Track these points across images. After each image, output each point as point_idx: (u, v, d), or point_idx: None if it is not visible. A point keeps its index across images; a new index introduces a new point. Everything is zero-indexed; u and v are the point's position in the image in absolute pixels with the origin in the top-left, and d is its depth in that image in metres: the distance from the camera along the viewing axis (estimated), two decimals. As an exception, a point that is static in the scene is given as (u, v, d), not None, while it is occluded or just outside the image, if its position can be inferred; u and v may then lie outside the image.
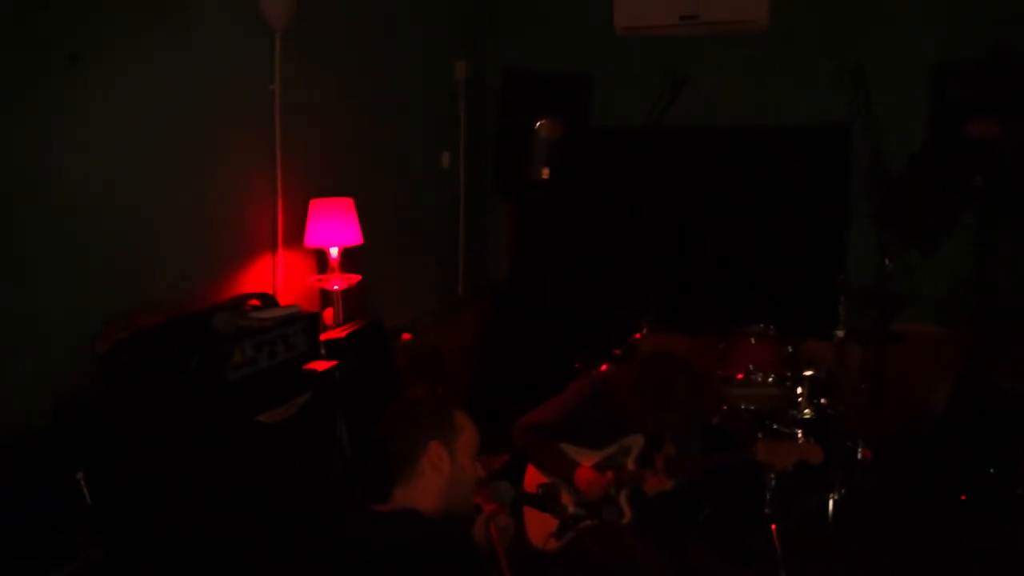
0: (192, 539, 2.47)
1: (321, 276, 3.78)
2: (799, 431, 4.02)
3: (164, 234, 3.14)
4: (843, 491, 4.31)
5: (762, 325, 4.36)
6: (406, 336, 4.11)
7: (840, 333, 4.28)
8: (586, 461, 3.34)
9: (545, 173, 5.18)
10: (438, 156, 5.27)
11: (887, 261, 4.90)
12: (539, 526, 3.30)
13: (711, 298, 4.96)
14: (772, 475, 3.79)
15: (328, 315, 3.68)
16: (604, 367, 4.68)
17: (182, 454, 2.49)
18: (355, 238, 3.71)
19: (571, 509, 3.15)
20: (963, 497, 4.40)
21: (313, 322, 2.97)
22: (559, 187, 5.24)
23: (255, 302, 3.00)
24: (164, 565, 2.44)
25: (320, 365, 3.00)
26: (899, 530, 4.30)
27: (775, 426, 4.20)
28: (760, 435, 4.06)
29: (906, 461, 4.66)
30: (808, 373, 4.29)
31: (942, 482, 4.47)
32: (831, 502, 4.28)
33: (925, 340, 5.03)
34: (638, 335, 4.83)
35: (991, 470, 4.22)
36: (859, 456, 4.42)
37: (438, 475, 2.19)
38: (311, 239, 3.68)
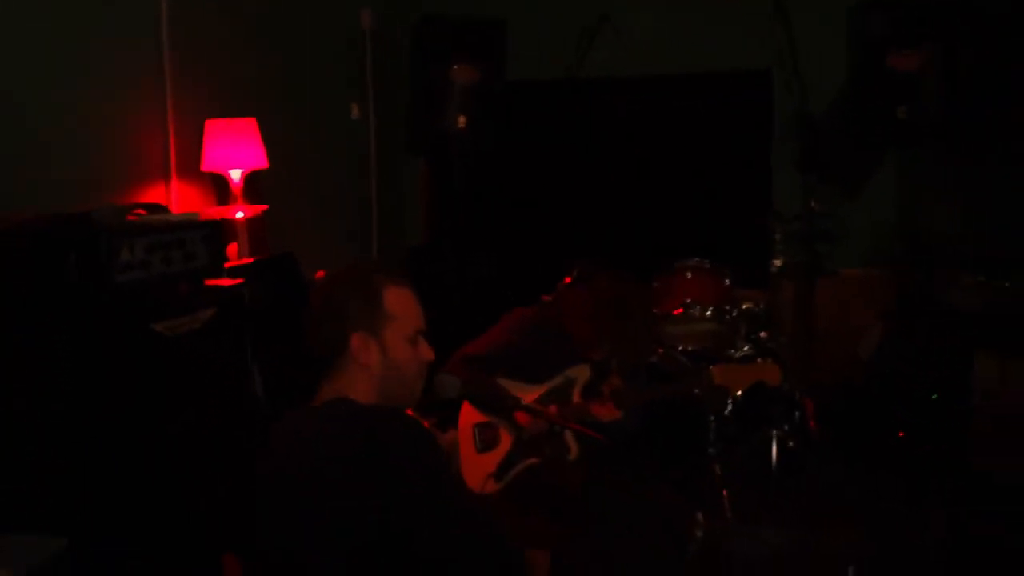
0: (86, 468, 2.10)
1: (221, 206, 3.40)
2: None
3: (41, 154, 2.74)
4: (785, 428, 4.18)
5: (697, 259, 4.20)
6: (320, 274, 3.74)
7: (777, 262, 4.14)
8: (527, 396, 3.07)
9: (462, 122, 4.90)
10: (347, 107, 4.93)
11: (812, 203, 4.81)
12: (476, 468, 3.02)
13: (642, 241, 4.78)
14: (728, 400, 3.60)
15: (231, 250, 3.30)
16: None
17: (63, 370, 2.11)
18: (259, 160, 3.36)
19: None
20: (900, 434, 4.33)
21: (215, 232, 2.59)
22: (476, 138, 4.98)
23: (141, 211, 2.60)
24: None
25: (225, 282, 2.63)
26: (843, 471, 4.20)
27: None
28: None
29: (842, 410, 4.58)
30: (746, 306, 4.15)
31: (880, 425, 4.40)
32: (774, 441, 4.16)
33: (853, 282, 4.99)
34: (567, 279, 4.61)
35: (933, 396, 4.14)
36: (798, 398, 4.31)
37: (366, 370, 1.86)
38: (209, 162, 3.31)
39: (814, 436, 4.28)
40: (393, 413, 1.79)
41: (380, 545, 1.65)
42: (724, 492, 3.85)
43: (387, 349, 1.86)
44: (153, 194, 3.26)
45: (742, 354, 4.05)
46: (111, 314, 2.20)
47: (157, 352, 2.30)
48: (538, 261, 4.70)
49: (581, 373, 3.17)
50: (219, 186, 3.49)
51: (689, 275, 4.17)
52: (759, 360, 3.60)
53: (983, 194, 4.49)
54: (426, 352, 1.94)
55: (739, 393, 3.54)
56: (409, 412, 1.91)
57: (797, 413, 4.24)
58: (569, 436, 3.13)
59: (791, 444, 4.16)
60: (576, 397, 3.12)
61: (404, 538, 1.64)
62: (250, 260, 3.19)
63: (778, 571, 3.33)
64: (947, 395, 3.99)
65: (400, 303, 1.92)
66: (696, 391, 3.33)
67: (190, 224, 2.52)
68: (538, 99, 5.30)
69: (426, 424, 3.60)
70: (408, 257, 5.27)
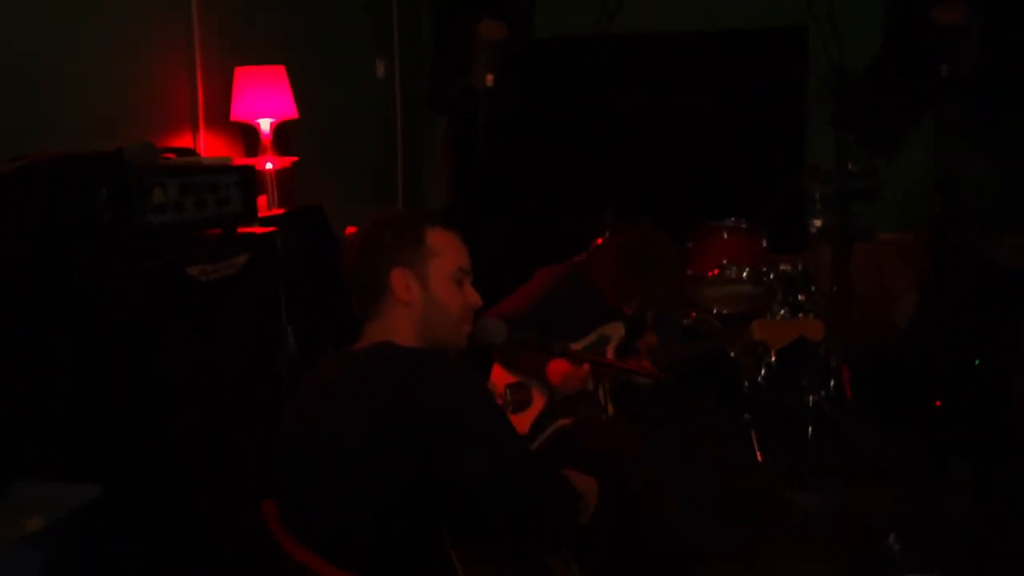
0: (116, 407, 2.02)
1: (250, 157, 3.31)
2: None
3: (68, 98, 2.65)
4: (822, 394, 4.10)
5: (733, 219, 4.09)
6: (351, 229, 3.65)
7: (817, 222, 4.03)
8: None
9: (489, 80, 4.78)
10: (373, 64, 4.81)
11: (849, 165, 4.69)
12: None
13: (675, 201, 4.65)
14: (766, 359, 3.52)
15: (260, 202, 3.21)
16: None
17: (95, 310, 2.03)
18: (289, 110, 3.26)
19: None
20: (938, 403, 4.23)
21: (248, 178, 2.51)
22: (502, 97, 4.86)
23: (171, 155, 2.52)
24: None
25: (258, 230, 2.55)
26: (878, 436, 4.12)
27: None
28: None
29: (878, 377, 4.48)
30: (783, 268, 4.04)
31: (917, 393, 4.30)
32: (809, 406, 4.08)
33: (890, 245, 4.88)
34: (600, 240, 4.51)
35: (976, 362, 4.03)
36: (834, 364, 4.22)
37: (408, 309, 1.77)
38: (238, 111, 3.21)
39: (850, 402, 4.19)
40: (439, 354, 1.70)
41: (422, 493, 1.56)
42: (759, 456, 3.79)
43: (429, 285, 1.77)
44: (181, 143, 3.17)
45: (780, 317, 3.96)
46: (143, 254, 2.11)
47: (189, 295, 2.21)
48: (566, 222, 4.62)
49: (615, 331, 3.09)
50: (248, 137, 3.40)
51: (725, 235, 4.06)
52: (800, 315, 3.50)
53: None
54: (472, 296, 1.85)
55: (779, 349, 3.42)
56: None
57: (833, 380, 4.16)
58: (603, 395, 3.06)
59: (827, 409, 4.09)
60: (610, 355, 3.04)
61: (452, 485, 1.56)
62: (280, 211, 3.10)
63: (815, 534, 3.27)
64: (989, 358, 3.88)
65: (443, 242, 1.82)
66: (732, 350, 3.25)
67: (223, 168, 2.44)
68: (566, 57, 5.17)
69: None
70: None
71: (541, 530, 1.65)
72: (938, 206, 4.82)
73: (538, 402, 3.01)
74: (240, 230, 2.50)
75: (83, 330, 2.03)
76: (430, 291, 1.78)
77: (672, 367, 3.17)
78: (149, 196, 2.13)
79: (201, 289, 2.25)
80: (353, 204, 4.17)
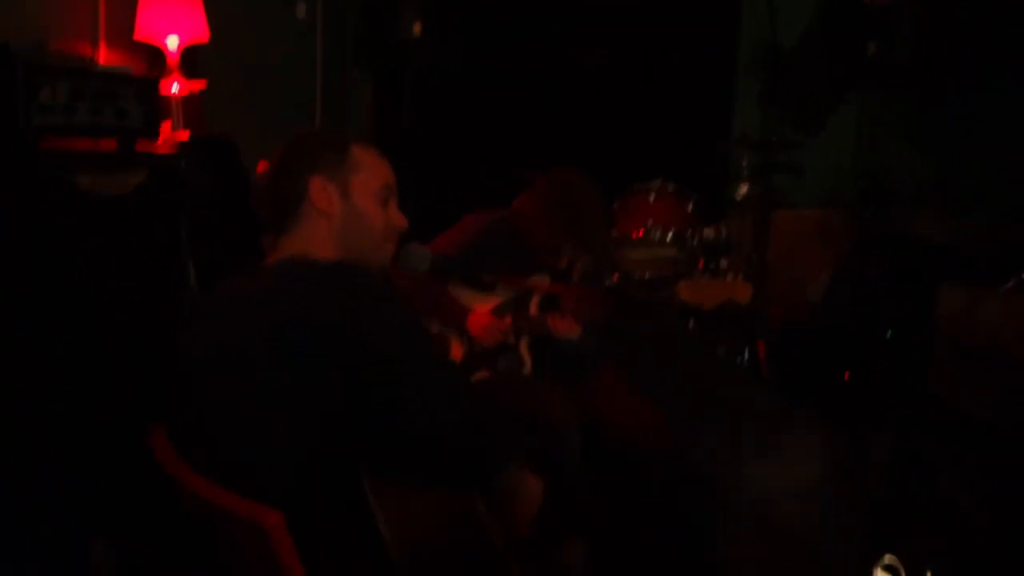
0: None
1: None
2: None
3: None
4: (745, 358, 4.10)
5: (661, 181, 4.02)
6: (263, 165, 3.43)
7: (743, 189, 4.00)
8: (481, 306, 2.89)
9: (417, 29, 4.59)
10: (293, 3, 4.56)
11: (774, 137, 4.70)
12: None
13: (604, 162, 4.57)
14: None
15: (164, 128, 2.99)
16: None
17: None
18: (199, 31, 3.03)
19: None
20: (847, 375, 4.28)
21: (150, 91, 2.30)
22: (432, 49, 4.68)
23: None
24: None
25: (160, 149, 2.35)
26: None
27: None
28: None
29: (790, 351, 4.51)
30: (707, 233, 4.00)
31: (827, 367, 4.35)
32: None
33: (810, 222, 4.91)
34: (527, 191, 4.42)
35: (888, 335, 4.07)
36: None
37: (326, 218, 1.64)
38: (143, 29, 2.97)
39: (765, 376, 4.20)
40: (360, 269, 1.55)
41: (338, 420, 1.42)
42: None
43: (351, 197, 1.65)
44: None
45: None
46: (27, 157, 1.90)
47: (77, 209, 2.01)
48: (493, 181, 4.49)
49: (540, 284, 2.98)
50: (153, 58, 3.15)
51: (651, 198, 3.99)
52: (730, 277, 3.45)
53: (948, 138, 4.41)
54: (397, 216, 1.73)
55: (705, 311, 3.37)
56: None
57: (748, 353, 4.17)
58: (524, 349, 2.97)
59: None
60: (532, 309, 2.94)
61: (377, 412, 1.42)
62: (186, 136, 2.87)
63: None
64: (904, 332, 3.92)
65: (368, 158, 1.71)
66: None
67: (123, 77, 2.24)
68: (498, 10, 5.01)
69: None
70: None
71: (467, 463, 1.52)
72: (859, 185, 4.86)
73: (456, 353, 2.91)
74: (139, 148, 2.30)
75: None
76: (352, 203, 1.66)
77: (595, 326, 3.09)
78: (36, 95, 1.92)
79: (91, 204, 2.04)
80: (266, 141, 3.93)
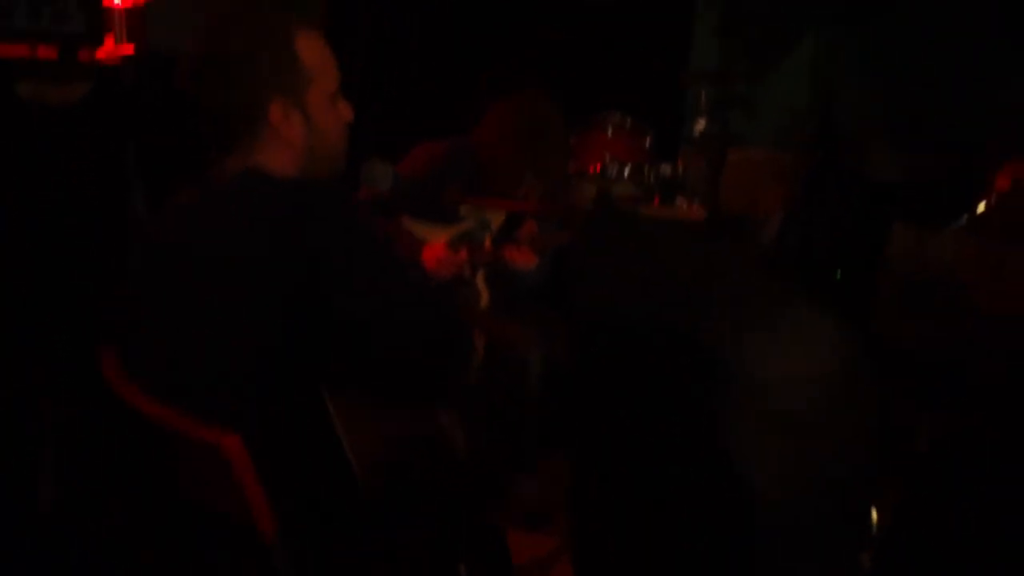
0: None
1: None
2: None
3: None
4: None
5: (619, 115, 3.97)
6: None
7: (701, 123, 3.98)
8: (436, 238, 2.81)
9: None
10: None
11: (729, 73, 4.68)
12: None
13: (559, 90, 4.50)
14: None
15: (106, 42, 2.83)
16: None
17: None
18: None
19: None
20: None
21: (93, -4, 2.17)
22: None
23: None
24: None
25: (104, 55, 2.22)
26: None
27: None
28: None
29: None
30: (663, 169, 3.98)
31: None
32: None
33: (763, 162, 4.92)
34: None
35: (837, 275, 4.12)
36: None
37: (288, 146, 1.55)
38: (83, -67, 2.79)
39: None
40: (316, 182, 1.50)
41: (298, 335, 1.37)
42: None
43: (312, 117, 1.57)
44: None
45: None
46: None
47: (18, 120, 1.89)
48: (448, 103, 4.39)
49: (496, 217, 2.92)
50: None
51: (609, 132, 3.95)
52: (684, 203, 3.44)
53: (901, 73, 4.42)
54: (346, 111, 1.64)
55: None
56: None
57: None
58: (481, 282, 2.93)
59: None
60: (488, 241, 2.87)
61: (338, 321, 1.37)
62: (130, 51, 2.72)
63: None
64: (853, 272, 3.97)
65: (316, 55, 1.59)
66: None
67: (62, -21, 2.10)
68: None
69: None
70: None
71: (432, 368, 1.48)
72: (813, 125, 4.87)
73: None
74: (81, 58, 2.17)
75: None
76: (313, 122, 1.57)
77: (552, 257, 3.06)
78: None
79: (34, 115, 1.93)
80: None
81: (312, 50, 1.56)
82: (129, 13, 2.85)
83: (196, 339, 1.41)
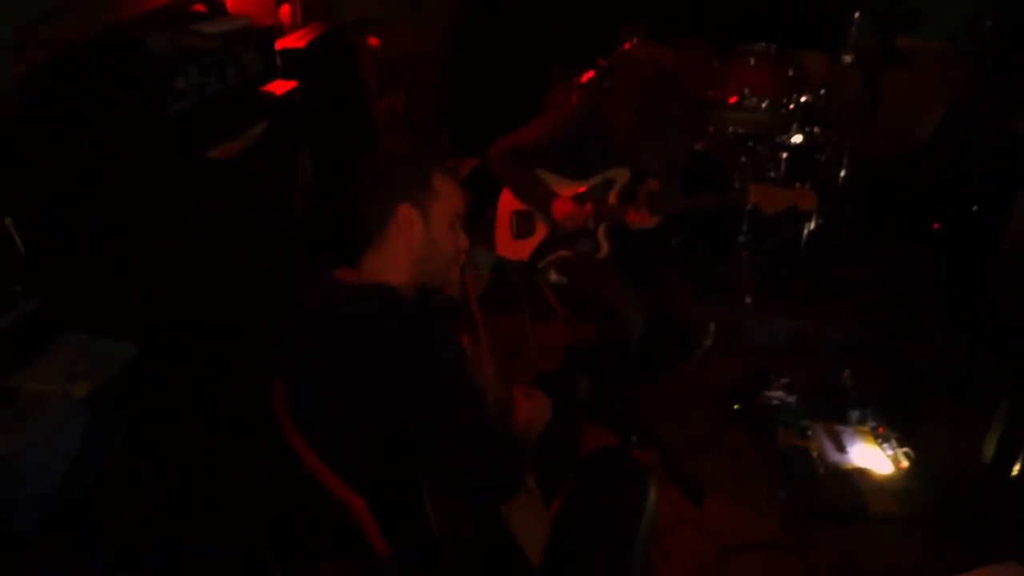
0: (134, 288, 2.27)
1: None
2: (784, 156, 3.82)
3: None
4: (820, 222, 4.23)
5: (764, 43, 3.97)
6: (373, 41, 3.64)
7: (847, 58, 3.91)
8: (565, 191, 3.10)
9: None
10: None
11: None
12: (511, 252, 3.19)
13: (709, 10, 4.42)
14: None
15: (284, 14, 3.21)
16: (585, 77, 4.30)
17: (121, 197, 2.20)
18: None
19: (554, 278, 2.97)
20: (935, 225, 4.33)
21: (267, 37, 2.55)
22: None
23: (199, 7, 2.54)
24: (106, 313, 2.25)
25: (278, 87, 2.62)
26: (871, 262, 4.29)
27: (758, 148, 3.99)
28: (747, 172, 3.88)
29: (885, 187, 4.53)
30: (804, 99, 4.00)
31: (918, 211, 4.39)
32: (805, 231, 4.23)
33: (931, 60, 4.68)
34: (627, 45, 4.40)
35: (974, 208, 4.09)
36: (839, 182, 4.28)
37: (408, 243, 1.90)
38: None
39: (847, 217, 4.31)
40: (431, 317, 1.81)
41: (400, 443, 1.74)
42: (743, 282, 3.98)
43: (431, 225, 1.89)
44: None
45: (790, 143, 3.98)
46: (165, 145, 2.24)
47: (210, 177, 2.37)
48: (587, 32, 4.41)
49: (620, 176, 3.15)
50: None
51: (752, 61, 3.96)
52: (797, 185, 3.54)
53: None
54: (463, 240, 1.96)
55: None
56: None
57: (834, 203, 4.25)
58: (602, 235, 3.23)
59: (820, 233, 4.23)
60: (612, 199, 3.13)
61: (425, 446, 1.74)
62: (301, 40, 3.07)
63: (786, 359, 3.48)
64: (986, 214, 3.94)
65: (447, 186, 1.92)
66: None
67: (243, 34, 2.47)
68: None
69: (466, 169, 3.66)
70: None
71: (493, 488, 1.88)
72: (989, 20, 4.56)
73: (541, 231, 3.20)
74: (262, 88, 2.58)
75: (110, 219, 2.21)
76: (431, 231, 1.89)
77: (669, 220, 3.26)
78: (171, 87, 2.23)
79: (217, 167, 2.39)
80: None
81: (444, 182, 1.90)
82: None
83: (328, 416, 1.81)
